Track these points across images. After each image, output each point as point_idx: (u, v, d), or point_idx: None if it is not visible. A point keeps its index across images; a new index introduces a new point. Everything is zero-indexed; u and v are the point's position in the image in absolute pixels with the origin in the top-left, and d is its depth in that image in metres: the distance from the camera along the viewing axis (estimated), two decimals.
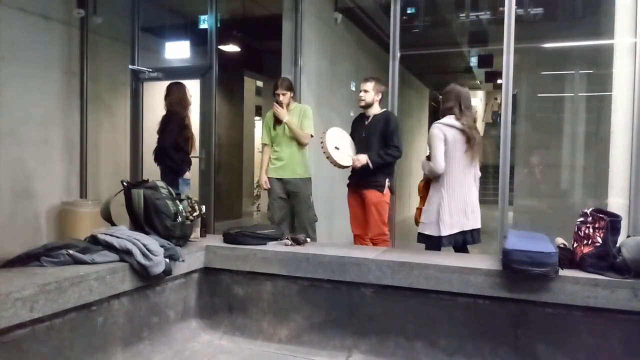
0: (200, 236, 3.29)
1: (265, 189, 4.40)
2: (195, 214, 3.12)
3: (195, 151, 4.77)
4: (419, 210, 3.48)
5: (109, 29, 5.77)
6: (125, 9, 5.60)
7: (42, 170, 5.14)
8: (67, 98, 5.43)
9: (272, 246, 3.08)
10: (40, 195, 5.11)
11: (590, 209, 2.59)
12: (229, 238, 3.16)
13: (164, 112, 4.43)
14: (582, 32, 6.28)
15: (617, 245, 2.48)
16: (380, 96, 3.93)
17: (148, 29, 6.01)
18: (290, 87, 4.28)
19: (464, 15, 7.40)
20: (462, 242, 3.30)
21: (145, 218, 2.82)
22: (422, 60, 8.95)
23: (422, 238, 3.37)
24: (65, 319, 2.18)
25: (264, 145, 4.40)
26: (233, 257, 3.03)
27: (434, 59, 9.32)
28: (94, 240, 2.56)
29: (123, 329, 2.49)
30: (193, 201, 3.17)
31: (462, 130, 3.26)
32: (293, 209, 4.31)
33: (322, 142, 3.83)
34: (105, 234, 2.56)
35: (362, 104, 3.93)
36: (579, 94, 6.79)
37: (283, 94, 4.20)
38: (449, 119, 3.30)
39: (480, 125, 15.77)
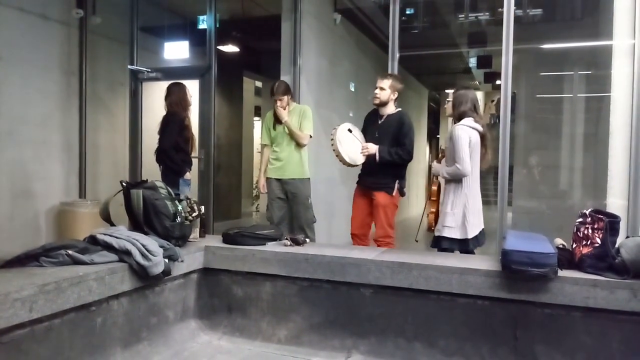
0: (200, 236, 3.29)
1: (262, 193, 4.40)
2: (194, 214, 3.11)
3: (195, 152, 4.76)
4: (434, 214, 3.43)
5: (108, 29, 5.76)
6: (124, 9, 5.60)
7: (41, 170, 5.14)
8: (66, 98, 5.42)
9: (271, 247, 3.08)
10: (39, 196, 5.11)
11: (589, 210, 2.60)
12: (228, 238, 3.16)
13: (163, 113, 4.42)
14: (581, 33, 6.30)
15: (616, 246, 2.48)
16: (396, 95, 3.80)
17: (147, 29, 6.01)
18: (287, 91, 4.26)
19: (463, 16, 7.42)
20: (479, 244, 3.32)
21: (145, 218, 2.81)
22: (421, 60, 8.96)
23: (448, 242, 3.28)
24: (65, 320, 2.17)
25: (263, 145, 4.39)
26: (232, 258, 3.03)
27: (433, 60, 9.34)
28: (93, 240, 2.56)
29: (122, 329, 2.49)
30: (192, 201, 3.17)
31: (481, 132, 3.28)
32: (291, 209, 4.31)
33: (332, 139, 3.74)
34: (105, 235, 2.56)
35: (377, 102, 3.80)
36: (578, 95, 6.80)
37: (280, 99, 4.19)
38: (470, 121, 3.28)
39: None
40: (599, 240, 2.47)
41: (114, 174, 5.71)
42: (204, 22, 5.44)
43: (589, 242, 2.52)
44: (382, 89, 3.76)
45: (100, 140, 5.82)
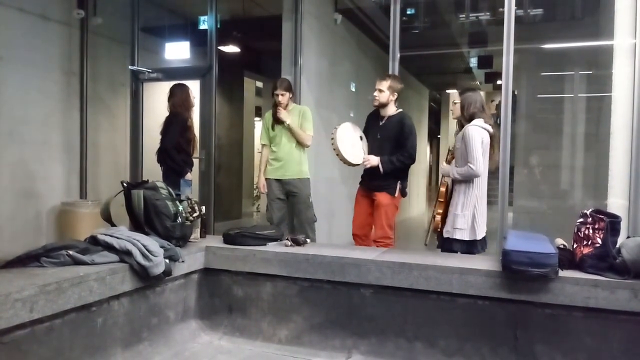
0: (200, 237, 3.29)
1: (262, 193, 4.39)
2: (195, 214, 3.12)
3: (197, 152, 4.76)
4: (442, 215, 3.40)
5: (108, 30, 5.77)
6: (125, 9, 5.60)
7: (42, 170, 5.14)
8: (66, 98, 5.43)
9: (271, 247, 3.08)
10: (40, 196, 5.11)
11: (590, 210, 2.60)
12: (228, 239, 3.16)
13: (165, 113, 4.42)
14: (581, 32, 6.29)
15: (617, 246, 2.48)
16: (396, 96, 3.79)
17: (148, 30, 6.02)
18: (290, 88, 4.28)
19: (463, 16, 7.41)
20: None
21: (145, 219, 2.82)
22: (422, 61, 8.96)
23: (458, 244, 3.27)
24: (65, 320, 2.17)
25: (263, 146, 4.39)
26: (233, 258, 3.03)
27: (433, 60, 9.33)
28: (93, 240, 2.56)
29: (123, 329, 2.49)
30: (193, 202, 3.17)
31: (490, 133, 3.29)
32: (292, 209, 4.31)
33: (332, 138, 3.74)
34: (105, 235, 2.56)
35: (376, 103, 3.81)
36: (579, 95, 6.80)
37: (282, 94, 4.19)
38: (481, 122, 3.28)
39: None
40: (599, 241, 2.47)
41: (114, 174, 5.72)
42: (205, 23, 5.44)
43: (589, 242, 2.52)
44: (380, 90, 3.76)
45: (101, 141, 5.83)
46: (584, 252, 2.51)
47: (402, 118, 3.80)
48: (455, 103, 3.42)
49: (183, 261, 2.78)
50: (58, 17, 5.29)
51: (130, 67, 5.57)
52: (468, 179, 3.27)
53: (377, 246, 3.71)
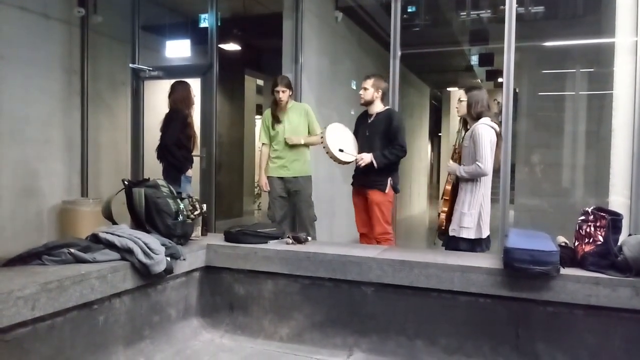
0: (202, 235, 3.29)
1: (265, 191, 4.38)
2: (196, 212, 3.12)
3: (197, 150, 4.76)
4: (446, 213, 3.39)
5: (109, 28, 5.77)
6: (125, 7, 5.59)
7: (43, 169, 5.14)
8: (67, 97, 5.43)
9: (273, 245, 3.08)
10: (41, 194, 5.12)
11: (592, 208, 2.59)
12: (230, 237, 3.16)
13: (166, 111, 4.42)
14: (583, 30, 6.27)
15: (619, 243, 2.48)
16: (380, 93, 3.87)
17: (148, 28, 6.01)
18: (290, 85, 4.27)
19: (464, 13, 7.39)
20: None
21: (147, 217, 2.82)
22: (423, 58, 8.94)
23: (465, 243, 3.27)
24: (67, 318, 2.18)
25: (262, 145, 4.38)
26: (234, 256, 3.03)
27: (434, 58, 9.31)
28: (95, 239, 2.56)
29: (124, 327, 2.49)
30: (194, 200, 3.17)
31: (497, 132, 3.30)
32: (294, 207, 4.30)
33: (322, 137, 3.80)
34: (107, 233, 2.56)
35: (362, 101, 3.92)
36: (580, 93, 6.79)
37: (282, 91, 4.18)
38: (489, 121, 3.29)
39: None
40: (601, 238, 2.47)
41: (115, 172, 5.71)
42: (206, 21, 5.43)
43: (591, 240, 2.52)
44: (365, 89, 3.87)
45: (102, 139, 5.83)
46: (586, 249, 2.51)
47: (390, 113, 3.88)
48: (461, 101, 3.42)
49: (184, 259, 2.79)
50: (59, 15, 5.29)
51: (131, 65, 5.57)
52: (475, 178, 3.27)
53: (379, 243, 3.73)
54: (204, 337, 2.93)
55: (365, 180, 3.84)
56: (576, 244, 2.61)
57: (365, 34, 7.09)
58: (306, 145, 4.25)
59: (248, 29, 7.31)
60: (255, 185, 10.72)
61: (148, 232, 2.73)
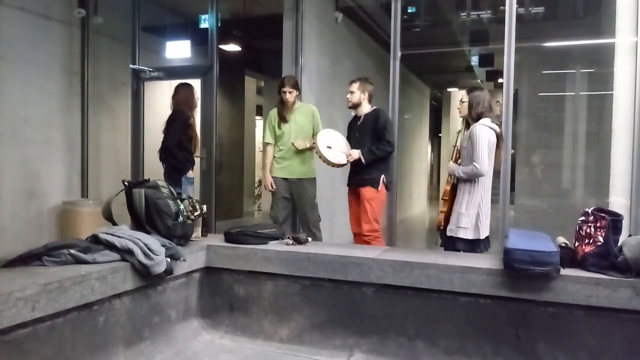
0: (202, 235, 3.29)
1: (270, 191, 4.36)
2: (196, 213, 3.12)
3: (198, 151, 4.76)
4: (445, 213, 3.39)
5: (109, 29, 5.77)
6: (126, 8, 5.60)
7: (43, 170, 5.15)
8: (68, 98, 5.43)
9: (273, 245, 3.08)
10: (41, 195, 5.12)
11: (592, 208, 2.59)
12: (230, 237, 3.16)
13: (167, 112, 4.43)
14: (583, 31, 6.28)
15: (619, 244, 2.48)
16: (367, 95, 3.96)
17: (149, 29, 6.01)
18: (297, 86, 4.26)
19: (464, 14, 7.40)
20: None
21: (147, 217, 2.82)
22: (423, 59, 8.94)
23: (462, 243, 3.27)
24: (67, 319, 2.18)
25: (266, 144, 4.35)
26: (234, 257, 3.03)
27: (434, 58, 9.31)
28: (95, 239, 2.56)
29: (124, 328, 2.49)
30: (194, 200, 3.17)
31: (497, 133, 3.31)
32: (297, 209, 4.29)
33: (314, 143, 3.91)
34: (107, 234, 2.56)
35: (350, 104, 4.02)
36: (580, 93, 6.79)
37: (289, 92, 4.17)
38: (489, 122, 3.29)
39: None
40: (601, 239, 2.47)
41: (116, 173, 5.72)
42: (206, 22, 5.44)
43: (591, 241, 2.51)
44: (352, 92, 3.97)
45: (103, 140, 5.83)
46: (586, 250, 2.51)
47: (377, 113, 3.96)
48: (462, 102, 3.42)
49: (184, 260, 2.79)
50: (59, 16, 5.29)
51: (131, 66, 5.57)
52: (472, 178, 3.27)
53: (366, 240, 3.75)
54: (204, 338, 2.92)
55: (358, 179, 3.91)
56: (576, 244, 2.61)
57: (365, 34, 7.09)
58: (311, 148, 4.22)
59: (248, 30, 7.31)
60: (256, 186, 10.73)
61: (148, 233, 2.73)
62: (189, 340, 2.85)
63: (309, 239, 3.21)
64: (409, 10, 6.86)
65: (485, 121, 3.28)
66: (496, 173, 3.48)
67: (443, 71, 11.07)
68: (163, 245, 2.63)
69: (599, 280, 2.36)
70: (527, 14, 6.64)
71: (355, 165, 3.90)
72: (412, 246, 7.03)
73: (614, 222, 2.45)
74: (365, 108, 3.99)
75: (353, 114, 4.11)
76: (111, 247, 2.50)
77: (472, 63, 9.43)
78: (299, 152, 4.18)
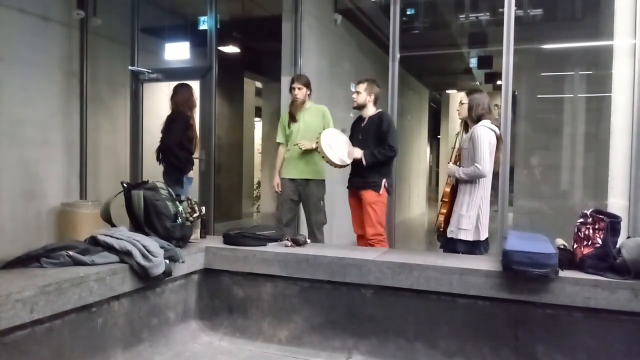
0: (200, 237, 3.29)
1: (276, 192, 4.34)
2: (195, 215, 3.12)
3: (196, 152, 4.76)
4: (445, 215, 3.39)
5: (108, 30, 5.77)
6: (125, 10, 5.60)
7: (42, 171, 5.14)
8: (67, 99, 5.43)
9: (272, 247, 3.08)
10: (40, 197, 5.12)
11: (590, 210, 2.59)
12: (228, 239, 3.16)
13: (166, 113, 4.44)
14: (581, 33, 6.29)
15: (617, 246, 2.48)
16: (373, 97, 3.94)
17: (148, 30, 6.01)
18: (308, 84, 4.23)
19: (463, 16, 7.41)
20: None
21: (145, 219, 2.82)
22: (422, 61, 8.96)
23: (463, 245, 3.27)
24: (65, 320, 2.17)
25: (278, 144, 4.33)
26: (233, 258, 3.03)
27: (433, 60, 9.33)
28: (93, 241, 2.56)
29: (123, 330, 2.49)
30: (193, 202, 3.17)
31: (497, 135, 3.31)
32: (303, 209, 4.26)
33: (317, 143, 3.87)
34: (105, 235, 2.56)
35: (355, 104, 3.99)
36: (579, 95, 6.80)
37: (299, 88, 4.15)
38: (489, 123, 3.30)
39: None
40: (600, 241, 2.47)
41: (114, 174, 5.72)
42: (205, 23, 5.44)
43: (590, 243, 2.52)
44: (358, 92, 3.95)
45: (101, 141, 5.83)
46: (584, 252, 2.51)
47: (381, 116, 3.94)
48: (462, 104, 3.43)
49: (183, 262, 2.78)
50: (58, 17, 5.29)
51: (130, 67, 5.57)
52: (473, 180, 3.28)
53: (371, 244, 3.74)
54: (203, 340, 2.92)
55: (359, 182, 3.89)
56: (575, 246, 2.62)
57: (364, 36, 7.09)
58: (317, 149, 4.17)
59: (247, 32, 7.32)
60: (255, 187, 10.72)
61: (147, 234, 2.73)
62: (188, 342, 2.85)
63: (308, 240, 3.21)
64: (408, 12, 6.87)
65: (486, 123, 3.29)
66: (495, 175, 3.48)
67: (442, 73, 11.09)
68: (162, 247, 2.63)
69: (598, 282, 2.36)
70: (526, 16, 6.66)
71: (356, 167, 3.88)
72: (411, 248, 7.03)
73: (613, 224, 2.45)
74: (370, 110, 3.96)
75: (352, 115, 4.11)
76: (110, 248, 2.50)
77: (471, 65, 9.44)
78: (306, 152, 4.14)
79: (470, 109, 3.36)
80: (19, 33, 4.85)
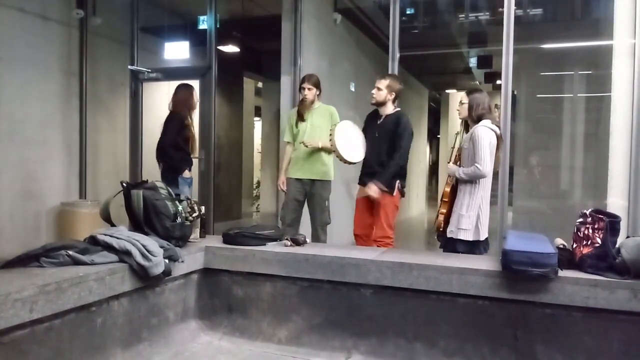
0: (200, 237, 3.29)
1: (281, 190, 4.33)
2: (194, 214, 3.11)
3: (196, 152, 4.76)
4: (445, 215, 3.38)
5: (108, 30, 5.77)
6: (124, 9, 5.60)
7: (41, 171, 5.14)
8: (66, 99, 5.43)
9: (271, 247, 3.08)
10: (39, 196, 5.11)
11: (590, 210, 2.59)
12: (228, 239, 3.16)
13: (167, 113, 4.45)
14: (581, 33, 6.29)
15: (617, 246, 2.48)
16: (393, 95, 3.80)
17: (147, 30, 6.01)
18: (317, 84, 4.20)
19: (463, 16, 7.42)
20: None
21: (145, 219, 2.82)
22: (422, 61, 8.96)
23: (463, 245, 3.27)
24: (65, 320, 2.17)
25: (286, 143, 4.30)
26: (232, 258, 3.03)
27: (433, 60, 9.33)
28: (93, 241, 2.56)
29: (122, 329, 2.49)
30: (192, 202, 3.17)
31: (497, 135, 3.31)
32: (308, 208, 4.25)
33: (330, 136, 3.77)
34: (105, 235, 2.56)
35: (373, 101, 3.84)
36: (578, 95, 6.80)
37: (309, 89, 4.13)
38: (489, 123, 3.29)
39: None
40: (599, 240, 2.47)
41: (114, 174, 5.71)
42: (204, 23, 5.43)
43: (589, 242, 2.52)
44: (379, 89, 3.79)
45: (101, 141, 5.83)
46: (584, 252, 2.51)
47: (399, 117, 3.81)
48: (462, 103, 3.42)
49: (183, 261, 2.78)
50: (57, 17, 5.29)
51: (129, 67, 5.56)
52: (474, 180, 3.27)
53: (378, 246, 3.71)
54: (202, 340, 2.92)
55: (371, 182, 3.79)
56: (574, 246, 2.62)
57: (364, 36, 7.09)
58: (323, 149, 4.13)
59: (247, 31, 7.31)
60: (254, 187, 10.72)
61: (146, 234, 2.73)
62: (187, 341, 2.85)
63: (308, 240, 3.21)
64: (408, 12, 6.87)
65: (486, 122, 3.29)
66: (495, 174, 3.47)
67: (441, 73, 11.08)
68: (161, 247, 2.63)
69: (597, 282, 2.36)
70: (526, 15, 6.67)
71: (369, 166, 3.80)
72: (411, 247, 7.04)
73: (612, 224, 2.45)
74: (389, 108, 3.82)
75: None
76: (109, 248, 2.50)
77: (471, 65, 9.45)
78: (314, 152, 4.11)
79: (470, 108, 3.36)
80: (18, 32, 4.84)
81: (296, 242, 3.10)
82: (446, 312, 2.63)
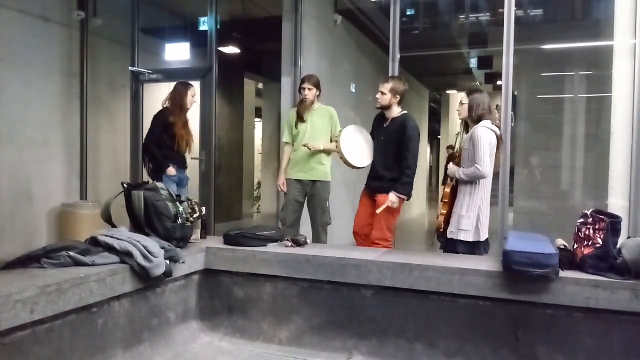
0: (201, 238, 3.29)
1: (281, 191, 4.32)
2: (195, 215, 3.12)
3: (192, 152, 4.74)
4: (445, 216, 3.38)
5: (109, 31, 5.77)
6: (125, 10, 5.60)
7: (42, 172, 5.14)
8: (67, 100, 5.43)
9: (272, 248, 3.08)
10: (40, 197, 5.11)
11: (591, 210, 2.60)
12: (229, 240, 3.16)
13: None
14: (581, 33, 6.30)
15: (618, 246, 2.48)
16: (398, 98, 3.76)
17: (148, 31, 6.02)
18: (318, 85, 4.19)
19: (463, 16, 7.42)
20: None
21: (146, 220, 2.82)
22: (422, 61, 8.97)
23: (463, 246, 3.26)
24: (66, 321, 2.17)
25: (285, 144, 4.30)
26: (233, 259, 3.03)
27: (433, 61, 9.34)
28: (94, 242, 2.56)
29: (123, 330, 2.49)
30: (193, 203, 3.17)
31: (497, 135, 3.31)
32: (308, 209, 4.24)
33: (337, 141, 3.76)
34: (106, 236, 2.56)
35: (378, 106, 3.81)
36: (579, 96, 6.80)
37: (309, 89, 4.12)
38: (489, 124, 3.29)
39: None
40: (600, 241, 2.47)
41: (115, 175, 5.72)
42: (205, 24, 5.44)
43: (590, 243, 2.52)
44: (383, 93, 3.75)
45: (102, 142, 5.83)
46: (585, 252, 2.51)
47: (405, 120, 3.76)
48: (462, 104, 3.42)
49: (184, 262, 2.78)
50: (58, 18, 5.29)
51: (130, 68, 5.57)
52: (474, 180, 3.27)
53: (375, 247, 3.71)
54: (203, 341, 2.92)
55: (379, 186, 3.78)
56: (575, 246, 2.62)
57: (364, 36, 7.09)
58: (325, 151, 4.13)
59: (247, 32, 7.32)
60: (255, 188, 10.72)
61: (147, 235, 2.73)
62: (188, 342, 2.85)
63: (308, 241, 3.21)
64: (408, 13, 6.88)
65: (486, 123, 3.29)
66: (495, 175, 3.47)
67: (442, 74, 11.09)
68: (162, 248, 2.63)
69: (598, 283, 2.36)
70: (526, 16, 6.67)
71: (376, 169, 3.79)
72: (412, 248, 7.03)
73: (613, 224, 2.45)
74: (395, 111, 3.77)
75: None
76: (110, 249, 2.50)
77: (471, 65, 9.46)
78: (314, 153, 4.11)
79: (470, 109, 3.36)
80: (19, 33, 4.85)
81: (297, 243, 3.10)
82: (447, 313, 2.63)
